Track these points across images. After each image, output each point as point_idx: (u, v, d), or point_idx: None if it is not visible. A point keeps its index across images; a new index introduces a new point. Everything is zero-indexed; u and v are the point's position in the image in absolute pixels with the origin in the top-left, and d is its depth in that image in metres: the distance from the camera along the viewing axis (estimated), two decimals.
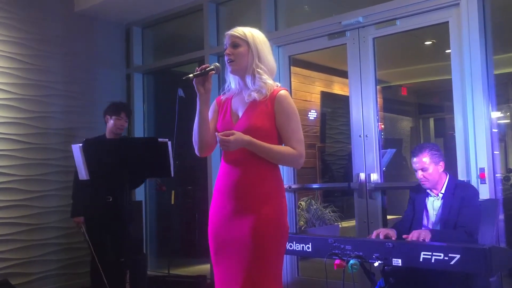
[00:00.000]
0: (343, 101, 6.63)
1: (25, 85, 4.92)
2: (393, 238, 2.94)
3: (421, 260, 2.53)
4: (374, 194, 3.98)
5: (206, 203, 4.75)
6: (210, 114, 2.41)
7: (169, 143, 3.38)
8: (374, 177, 3.99)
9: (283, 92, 2.33)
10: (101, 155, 3.44)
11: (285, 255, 2.40)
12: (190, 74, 2.26)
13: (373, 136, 4.02)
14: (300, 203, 6.27)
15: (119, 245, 3.68)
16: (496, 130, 3.57)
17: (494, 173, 3.47)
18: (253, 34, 2.36)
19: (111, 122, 4.18)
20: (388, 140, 8.12)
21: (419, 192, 3.21)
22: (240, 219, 2.24)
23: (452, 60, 3.68)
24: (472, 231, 2.88)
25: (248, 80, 2.34)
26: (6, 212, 4.67)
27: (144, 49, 5.95)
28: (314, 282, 4.26)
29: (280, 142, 2.34)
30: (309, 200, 6.47)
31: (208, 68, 2.28)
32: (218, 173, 2.39)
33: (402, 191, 3.44)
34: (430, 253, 2.51)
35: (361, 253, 2.70)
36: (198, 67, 2.29)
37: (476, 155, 3.49)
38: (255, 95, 2.31)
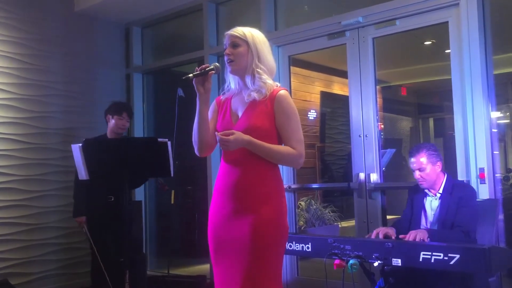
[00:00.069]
0: (343, 101, 6.63)
1: (25, 85, 4.92)
2: (392, 237, 2.94)
3: (420, 260, 2.54)
4: (374, 194, 3.98)
5: (206, 203, 4.75)
6: (210, 114, 2.41)
7: (169, 143, 3.38)
8: (374, 177, 3.99)
9: (283, 92, 2.33)
10: (101, 155, 3.44)
11: (284, 255, 2.40)
12: (189, 74, 2.26)
13: (372, 136, 4.02)
14: (300, 203, 6.27)
15: (121, 244, 3.68)
16: (495, 130, 3.57)
17: (494, 173, 3.48)
18: (253, 34, 2.36)
19: (112, 122, 4.18)
20: (388, 140, 8.13)
21: (418, 192, 3.22)
22: (240, 219, 2.24)
23: (451, 60, 3.68)
24: (469, 230, 2.89)
25: (248, 80, 2.34)
26: (5, 212, 4.67)
27: (144, 49, 5.95)
28: (313, 282, 4.26)
29: (280, 142, 2.34)
30: (308, 200, 6.47)
31: (208, 68, 2.28)
32: (218, 173, 2.39)
33: (402, 191, 3.44)
34: (429, 253, 2.51)
35: (360, 253, 2.70)
36: (198, 67, 2.29)
37: (476, 155, 3.49)
38: (254, 95, 2.31)
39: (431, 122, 9.12)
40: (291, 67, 4.70)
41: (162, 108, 5.92)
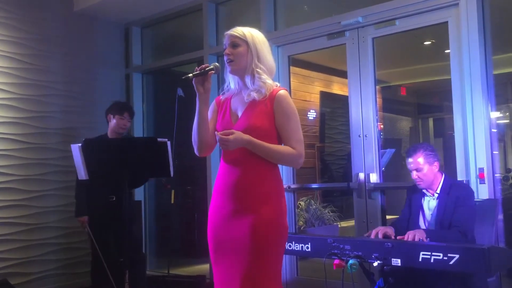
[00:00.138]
0: (343, 101, 6.63)
1: (25, 85, 4.92)
2: (392, 237, 2.95)
3: (420, 260, 2.54)
4: (373, 194, 3.98)
5: (206, 203, 4.75)
6: (210, 114, 2.41)
7: (169, 143, 3.38)
8: (373, 177, 3.99)
9: (283, 92, 2.33)
10: (100, 155, 3.44)
11: (284, 255, 2.40)
12: (189, 73, 2.26)
13: (372, 136, 4.02)
14: (300, 203, 6.26)
15: (123, 244, 3.68)
16: (495, 130, 3.57)
17: (493, 173, 3.48)
18: (253, 34, 2.36)
19: (113, 122, 4.17)
20: (388, 140, 8.13)
21: (416, 192, 3.22)
22: (240, 219, 2.24)
23: (451, 60, 3.68)
24: (466, 230, 2.89)
25: (248, 80, 2.34)
26: (5, 212, 4.67)
27: (144, 49, 5.95)
28: (313, 282, 4.26)
29: (279, 142, 2.34)
30: (308, 200, 6.47)
31: (208, 68, 2.28)
32: (218, 173, 2.39)
33: (402, 191, 3.44)
34: (429, 253, 2.51)
35: (360, 253, 2.70)
36: (198, 67, 2.29)
37: (475, 155, 3.49)
38: (254, 95, 2.31)
39: (430, 122, 9.13)
40: (291, 67, 4.70)
41: (161, 108, 5.92)
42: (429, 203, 3.15)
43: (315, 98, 7.38)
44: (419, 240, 2.75)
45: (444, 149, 7.97)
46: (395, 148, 5.82)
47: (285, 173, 4.46)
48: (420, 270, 2.64)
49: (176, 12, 5.50)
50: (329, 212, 6.60)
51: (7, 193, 4.70)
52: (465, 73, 3.56)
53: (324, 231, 6.28)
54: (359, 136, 4.07)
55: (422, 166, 3.08)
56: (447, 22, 3.71)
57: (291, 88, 4.75)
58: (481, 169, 3.45)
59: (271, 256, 2.24)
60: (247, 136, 2.21)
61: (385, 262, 2.65)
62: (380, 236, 2.95)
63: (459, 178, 3.56)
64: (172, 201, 4.81)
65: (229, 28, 2.40)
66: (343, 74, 4.48)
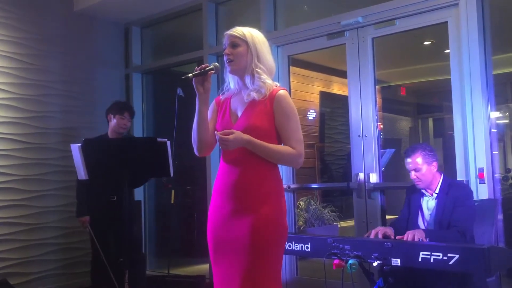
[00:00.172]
0: (342, 101, 6.63)
1: (24, 85, 4.91)
2: (391, 237, 2.95)
3: (420, 260, 2.53)
4: (373, 194, 3.98)
5: (205, 203, 4.75)
6: (209, 114, 2.41)
7: (168, 143, 3.38)
8: (373, 177, 3.99)
9: (282, 91, 2.33)
10: (100, 155, 3.44)
11: (284, 255, 2.40)
12: (189, 73, 2.26)
13: (372, 136, 4.02)
14: (299, 203, 6.27)
15: (124, 244, 3.68)
16: (495, 130, 3.57)
17: (493, 173, 3.48)
18: (252, 34, 2.36)
19: (114, 121, 4.17)
20: (387, 140, 8.13)
21: (415, 192, 3.22)
22: (239, 219, 2.24)
23: (451, 60, 3.68)
24: (465, 230, 2.89)
25: (247, 80, 2.34)
26: (4, 212, 4.67)
27: (143, 49, 5.95)
28: (313, 282, 4.26)
29: (279, 141, 2.34)
30: (308, 200, 6.47)
31: (208, 68, 2.28)
32: (217, 173, 2.39)
33: (401, 191, 3.45)
34: (429, 253, 2.51)
35: (360, 253, 2.70)
36: (198, 67, 2.29)
37: (475, 155, 3.49)
38: (254, 94, 2.31)
39: (430, 122, 9.14)
40: (291, 67, 4.70)
41: (161, 108, 5.92)
42: (428, 203, 3.15)
43: (315, 98, 7.38)
44: (419, 240, 2.75)
45: (444, 149, 7.97)
46: (395, 148, 5.82)
47: (285, 173, 4.46)
48: (419, 270, 2.64)
49: (176, 12, 5.50)
50: (328, 212, 6.60)
51: (7, 193, 4.70)
52: (464, 73, 3.56)
53: (324, 231, 6.29)
54: (359, 136, 4.07)
55: (421, 166, 3.08)
56: (446, 22, 3.71)
57: (291, 88, 4.75)
58: (481, 169, 3.45)
59: (271, 256, 2.24)
60: (247, 136, 2.21)
61: (385, 262, 2.65)
62: (380, 236, 2.96)
63: (459, 178, 3.56)
64: (172, 201, 4.81)
65: (229, 28, 2.40)
66: (343, 74, 4.48)
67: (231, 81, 2.44)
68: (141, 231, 5.47)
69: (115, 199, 3.91)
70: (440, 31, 4.02)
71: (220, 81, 2.99)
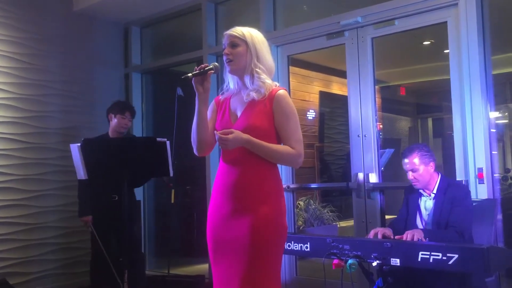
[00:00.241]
0: (342, 101, 6.63)
1: (24, 85, 4.91)
2: (391, 237, 2.95)
3: (419, 260, 2.54)
4: (373, 194, 3.98)
5: (205, 202, 4.75)
6: (209, 114, 2.41)
7: (168, 142, 3.38)
8: (373, 177, 3.99)
9: (282, 91, 2.33)
10: (100, 155, 3.44)
11: (283, 255, 2.40)
12: (189, 73, 2.26)
13: (371, 136, 4.02)
14: (299, 203, 6.27)
15: (124, 243, 3.69)
16: (494, 130, 3.57)
17: (492, 173, 3.48)
18: (252, 34, 2.36)
19: (115, 121, 4.17)
20: (387, 140, 8.14)
21: (413, 192, 3.23)
22: (239, 219, 2.24)
23: (450, 60, 3.68)
24: (463, 231, 2.89)
25: (247, 80, 2.34)
26: (4, 212, 4.67)
27: (143, 49, 5.95)
28: (312, 282, 4.27)
29: (278, 141, 2.34)
30: (307, 200, 6.48)
31: (207, 68, 2.28)
32: (217, 172, 2.39)
33: (401, 191, 3.45)
34: (428, 253, 2.51)
35: (359, 253, 2.70)
36: (197, 67, 2.29)
37: (474, 155, 3.49)
38: (253, 94, 2.31)
39: (429, 122, 9.14)
40: (290, 67, 4.70)
41: (161, 108, 5.92)
42: (426, 203, 3.16)
43: (314, 98, 7.38)
44: (418, 240, 2.75)
45: (443, 149, 7.98)
46: (394, 148, 5.83)
47: (284, 173, 4.46)
48: (419, 270, 2.64)
49: (176, 12, 5.50)
50: (328, 212, 6.61)
51: (6, 192, 4.70)
52: (464, 73, 3.56)
53: (323, 231, 6.29)
54: (358, 136, 4.07)
55: (418, 167, 3.09)
56: (446, 22, 3.71)
57: (290, 88, 4.75)
58: (480, 169, 3.45)
59: (271, 256, 2.24)
60: (246, 136, 2.21)
61: (384, 262, 2.65)
62: (379, 236, 2.96)
63: (458, 178, 3.56)
64: (172, 201, 4.81)
65: (228, 28, 2.40)
66: (342, 74, 4.48)
67: (231, 81, 2.44)
68: (140, 231, 5.47)
69: (116, 198, 3.91)
70: (439, 31, 4.02)
71: (220, 81, 2.99)
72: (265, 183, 2.29)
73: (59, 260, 5.03)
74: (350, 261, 2.67)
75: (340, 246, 2.77)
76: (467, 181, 3.50)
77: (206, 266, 5.03)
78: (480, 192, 3.44)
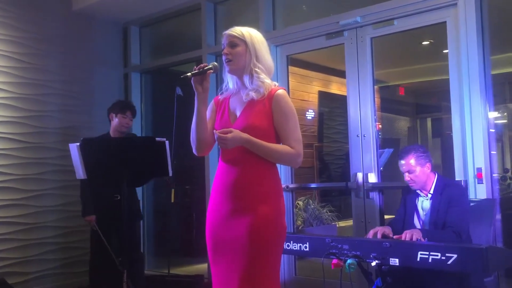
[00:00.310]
0: (341, 100, 6.63)
1: (23, 84, 4.91)
2: (390, 236, 2.95)
3: (418, 259, 2.54)
4: (372, 193, 3.98)
5: (204, 202, 4.75)
6: (208, 114, 2.41)
7: (167, 142, 3.38)
8: (372, 177, 3.99)
9: (281, 91, 2.33)
10: (98, 154, 3.44)
11: (282, 255, 2.40)
12: (188, 73, 2.26)
13: (370, 136, 4.02)
14: (298, 203, 6.27)
15: (125, 243, 3.68)
16: (493, 130, 3.58)
17: (491, 173, 3.48)
18: (251, 33, 2.36)
19: (116, 121, 4.17)
20: (386, 140, 8.14)
21: (410, 193, 3.23)
22: (238, 219, 2.24)
23: (449, 60, 3.68)
24: (460, 231, 2.89)
25: (246, 79, 2.34)
26: (3, 211, 4.66)
27: (142, 48, 5.95)
28: (311, 282, 4.27)
29: (278, 141, 2.34)
30: (306, 200, 6.48)
31: (206, 67, 2.28)
32: (216, 172, 2.39)
33: (400, 191, 3.46)
34: (427, 253, 2.51)
35: (358, 253, 2.70)
36: (196, 66, 2.29)
37: (473, 155, 3.49)
38: (253, 94, 2.31)
39: (429, 122, 9.14)
40: (289, 67, 4.70)
41: (160, 108, 5.92)
42: (423, 204, 3.16)
43: (314, 98, 7.38)
44: (417, 239, 2.76)
45: (442, 149, 7.98)
46: (394, 148, 5.82)
47: (284, 173, 4.46)
48: (418, 269, 2.65)
49: (175, 12, 5.50)
50: (327, 212, 6.61)
51: (5, 192, 4.70)
52: (463, 73, 3.56)
53: (322, 231, 6.29)
54: (358, 136, 4.07)
55: (414, 168, 3.09)
56: (445, 22, 3.71)
57: (290, 87, 4.75)
58: (479, 169, 3.46)
59: (270, 255, 2.24)
60: (245, 135, 2.21)
61: (383, 262, 2.65)
62: (378, 236, 2.96)
63: (457, 178, 3.57)
64: (172, 200, 4.81)
65: (227, 27, 2.40)
66: (341, 73, 4.48)
67: (230, 81, 2.44)
68: (140, 230, 5.46)
69: (118, 198, 3.90)
70: (438, 31, 4.02)
71: (219, 80, 2.99)
72: (264, 182, 2.29)
73: (58, 260, 5.03)
74: (349, 261, 2.67)
75: (339, 246, 2.78)
76: (466, 181, 3.50)
77: (205, 266, 5.03)
78: (479, 192, 3.44)
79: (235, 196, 2.27)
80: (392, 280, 2.76)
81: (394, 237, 2.89)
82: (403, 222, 3.18)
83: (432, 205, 3.08)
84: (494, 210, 3.18)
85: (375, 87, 4.15)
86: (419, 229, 2.99)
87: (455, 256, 2.43)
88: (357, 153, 4.07)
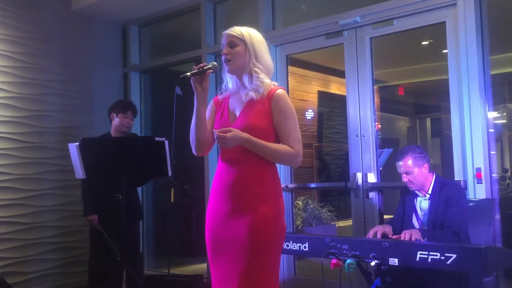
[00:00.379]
0: (340, 100, 6.63)
1: (22, 84, 4.91)
2: (390, 235, 2.95)
3: (417, 259, 2.54)
4: (371, 193, 3.98)
5: (204, 202, 4.75)
6: (208, 114, 2.41)
7: (166, 142, 3.38)
8: (371, 176, 4.00)
9: (280, 91, 2.33)
10: (98, 154, 3.44)
11: (282, 255, 2.40)
12: (187, 72, 2.26)
13: (370, 135, 4.03)
14: (297, 203, 6.27)
15: (125, 243, 3.68)
16: (492, 130, 3.58)
17: (491, 173, 3.48)
18: (250, 33, 2.36)
19: (117, 120, 4.16)
20: (385, 140, 8.14)
21: (408, 193, 3.23)
22: (238, 219, 2.24)
23: (449, 60, 3.69)
24: (458, 231, 2.89)
25: (245, 79, 2.34)
26: (2, 211, 4.66)
27: (141, 48, 5.95)
28: (311, 282, 4.27)
29: (277, 141, 2.34)
30: (306, 200, 6.48)
31: (206, 67, 2.28)
32: (216, 172, 2.39)
33: (399, 191, 3.46)
34: (426, 253, 2.52)
35: (357, 253, 2.70)
36: (196, 66, 2.29)
37: (473, 155, 3.50)
38: (252, 94, 2.31)
39: (428, 122, 9.14)
40: (289, 67, 4.70)
41: (159, 107, 5.92)
42: (421, 204, 3.16)
43: (313, 98, 7.38)
44: (416, 239, 2.76)
45: (442, 149, 7.98)
46: (393, 148, 5.83)
47: (283, 173, 4.46)
48: (417, 269, 2.65)
49: (174, 11, 5.50)
50: (326, 212, 6.61)
51: (5, 192, 4.70)
52: (462, 73, 3.57)
53: (322, 231, 6.29)
54: (357, 136, 4.08)
55: (412, 169, 3.09)
56: (444, 22, 3.71)
57: (289, 87, 4.75)
58: (479, 169, 3.46)
59: (269, 255, 2.24)
60: (245, 134, 2.21)
61: (383, 262, 2.66)
62: (378, 236, 2.96)
63: (456, 178, 3.57)
64: (172, 200, 4.81)
65: (227, 27, 2.40)
66: (341, 73, 4.48)
67: (229, 81, 2.44)
68: (139, 230, 5.46)
69: (120, 197, 3.90)
70: (438, 31, 4.02)
71: (219, 80, 2.99)
72: (264, 182, 2.29)
73: (57, 260, 5.03)
74: (348, 260, 2.67)
75: (339, 245, 2.78)
76: (465, 181, 3.50)
77: (204, 265, 5.03)
78: (478, 192, 3.44)
79: (234, 196, 2.27)
80: (391, 280, 2.77)
81: (393, 237, 2.90)
82: (402, 222, 3.18)
83: (431, 206, 3.08)
84: (493, 210, 3.18)
85: (375, 87, 4.15)
86: (418, 229, 2.99)
87: (454, 256, 2.43)
88: (357, 153, 4.07)
